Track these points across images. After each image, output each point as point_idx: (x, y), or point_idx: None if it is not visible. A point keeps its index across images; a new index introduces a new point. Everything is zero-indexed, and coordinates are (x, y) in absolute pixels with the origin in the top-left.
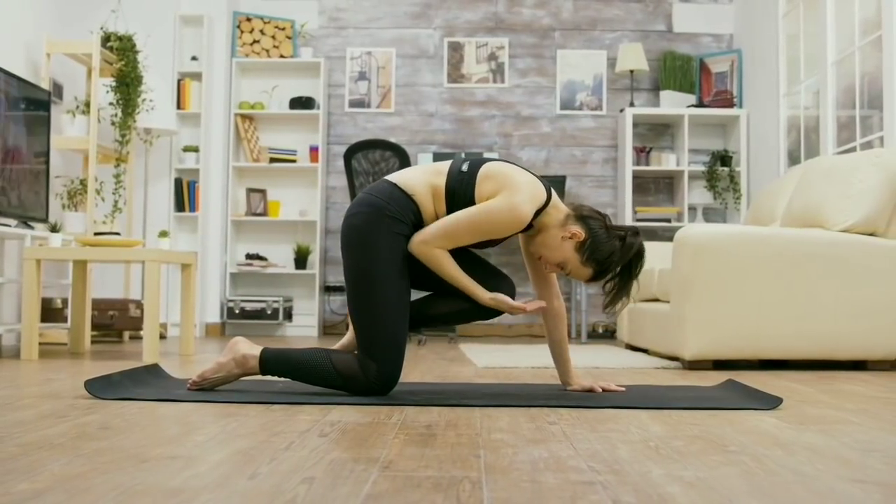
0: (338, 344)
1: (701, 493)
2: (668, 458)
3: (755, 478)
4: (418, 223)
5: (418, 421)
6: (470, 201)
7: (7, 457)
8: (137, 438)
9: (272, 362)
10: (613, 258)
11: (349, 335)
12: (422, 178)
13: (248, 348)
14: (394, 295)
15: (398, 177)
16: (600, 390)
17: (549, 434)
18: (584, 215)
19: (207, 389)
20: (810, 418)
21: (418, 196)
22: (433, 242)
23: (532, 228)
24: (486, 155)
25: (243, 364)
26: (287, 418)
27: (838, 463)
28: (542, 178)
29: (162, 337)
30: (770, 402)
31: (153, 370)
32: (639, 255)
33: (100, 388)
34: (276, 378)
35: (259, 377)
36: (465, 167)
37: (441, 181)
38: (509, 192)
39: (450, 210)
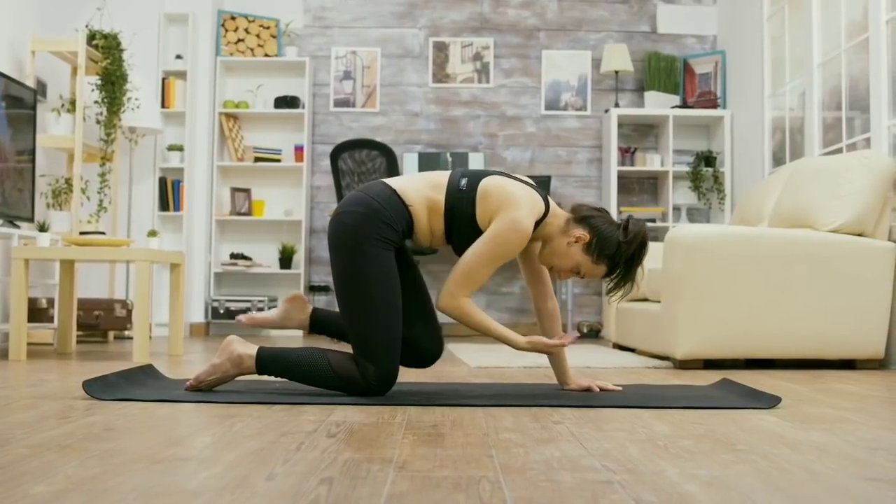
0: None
1: (719, 491)
2: (680, 458)
3: (769, 476)
4: (408, 234)
5: (423, 421)
6: (470, 219)
7: (17, 458)
8: (144, 439)
9: (268, 361)
10: (622, 250)
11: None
12: (421, 189)
13: (243, 348)
14: (387, 296)
15: (398, 183)
16: (598, 390)
17: (557, 433)
18: (584, 216)
19: (204, 390)
20: (811, 417)
21: (415, 208)
22: (460, 293)
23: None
24: (470, 155)
25: (239, 364)
26: (291, 419)
27: (847, 461)
28: (539, 189)
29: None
30: (769, 402)
31: (148, 371)
32: (643, 242)
33: (98, 388)
34: (271, 378)
35: (254, 377)
36: (463, 184)
37: (439, 197)
38: (508, 209)
39: (448, 227)
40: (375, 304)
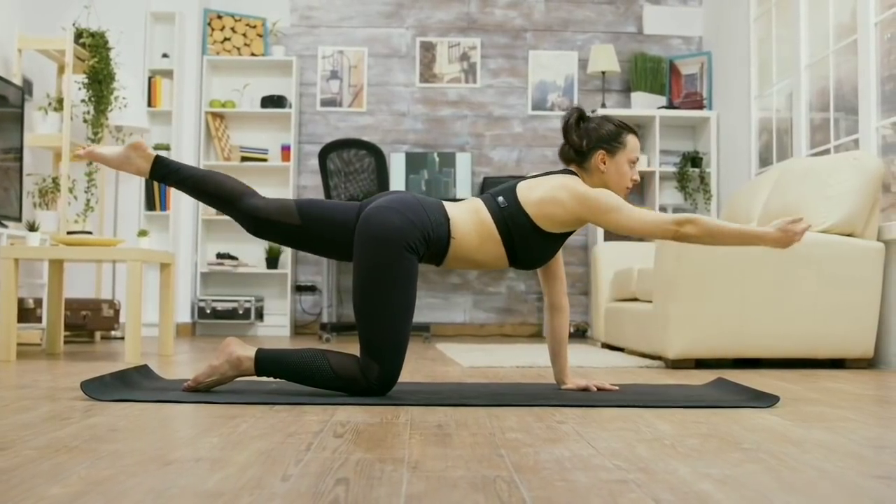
0: None
1: (735, 490)
2: (689, 457)
3: (781, 475)
4: (431, 258)
5: (427, 421)
6: (532, 229)
7: (27, 460)
8: (151, 440)
9: (267, 363)
10: (611, 121)
11: None
12: (471, 226)
13: (241, 350)
14: (403, 300)
15: (453, 212)
16: (595, 389)
17: (563, 433)
18: (577, 152)
19: (202, 391)
20: (811, 416)
21: (457, 241)
22: (670, 219)
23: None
24: (457, 155)
25: (238, 366)
26: (295, 419)
27: (855, 460)
28: (558, 171)
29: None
30: (768, 401)
31: (143, 371)
32: (579, 114)
33: (95, 389)
34: (268, 378)
35: (249, 377)
36: (501, 201)
37: (489, 223)
38: (574, 197)
39: (510, 248)
40: (391, 306)
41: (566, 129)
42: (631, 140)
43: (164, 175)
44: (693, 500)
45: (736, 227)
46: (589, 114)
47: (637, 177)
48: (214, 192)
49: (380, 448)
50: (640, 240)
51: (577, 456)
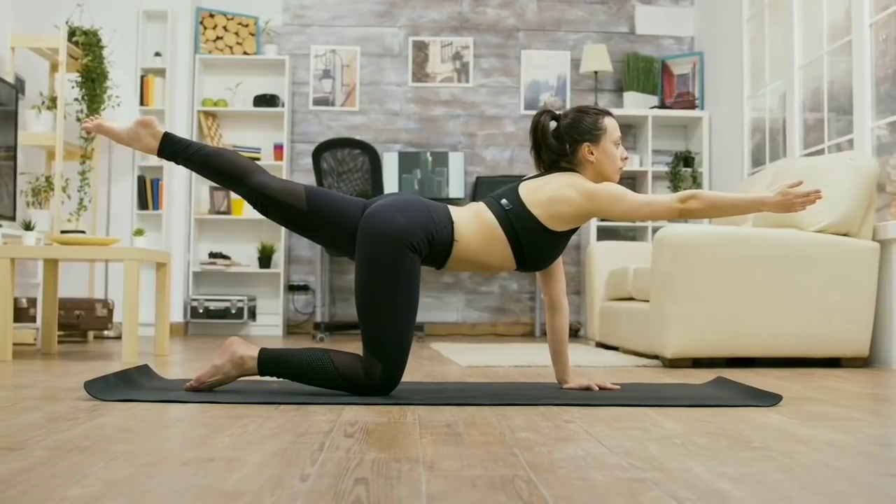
0: None
1: (752, 488)
2: (701, 455)
3: (795, 473)
4: (433, 260)
5: (435, 420)
6: (540, 231)
7: (41, 461)
8: (162, 440)
9: (270, 363)
10: (587, 110)
11: None
12: (475, 227)
13: (244, 349)
14: (407, 299)
15: (457, 219)
16: (597, 388)
17: (572, 432)
18: (565, 154)
19: (205, 391)
20: (815, 415)
21: (460, 244)
22: (673, 198)
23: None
24: (450, 154)
25: (240, 365)
26: (303, 419)
27: (865, 458)
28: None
29: (118, 337)
30: (771, 400)
31: (144, 371)
32: (544, 114)
33: (99, 389)
34: (270, 378)
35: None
36: (504, 203)
37: (493, 226)
38: (580, 192)
39: (518, 249)
40: (394, 305)
41: (544, 137)
42: (609, 122)
43: (174, 153)
44: (713, 499)
45: (737, 197)
46: (554, 111)
47: (625, 154)
48: (223, 168)
49: (393, 448)
50: (633, 238)
51: (591, 455)
